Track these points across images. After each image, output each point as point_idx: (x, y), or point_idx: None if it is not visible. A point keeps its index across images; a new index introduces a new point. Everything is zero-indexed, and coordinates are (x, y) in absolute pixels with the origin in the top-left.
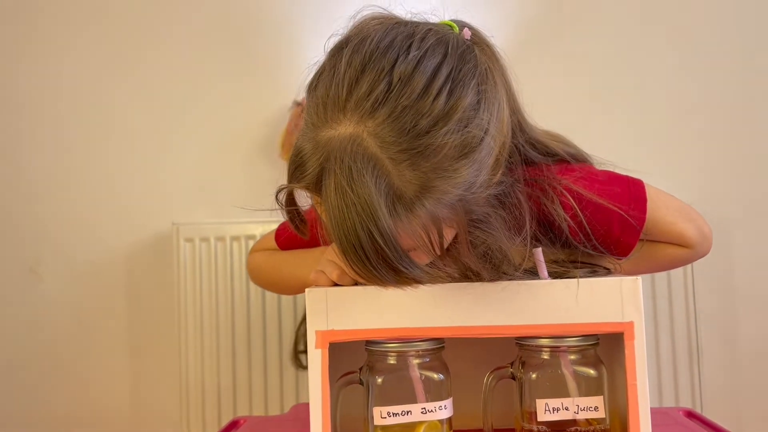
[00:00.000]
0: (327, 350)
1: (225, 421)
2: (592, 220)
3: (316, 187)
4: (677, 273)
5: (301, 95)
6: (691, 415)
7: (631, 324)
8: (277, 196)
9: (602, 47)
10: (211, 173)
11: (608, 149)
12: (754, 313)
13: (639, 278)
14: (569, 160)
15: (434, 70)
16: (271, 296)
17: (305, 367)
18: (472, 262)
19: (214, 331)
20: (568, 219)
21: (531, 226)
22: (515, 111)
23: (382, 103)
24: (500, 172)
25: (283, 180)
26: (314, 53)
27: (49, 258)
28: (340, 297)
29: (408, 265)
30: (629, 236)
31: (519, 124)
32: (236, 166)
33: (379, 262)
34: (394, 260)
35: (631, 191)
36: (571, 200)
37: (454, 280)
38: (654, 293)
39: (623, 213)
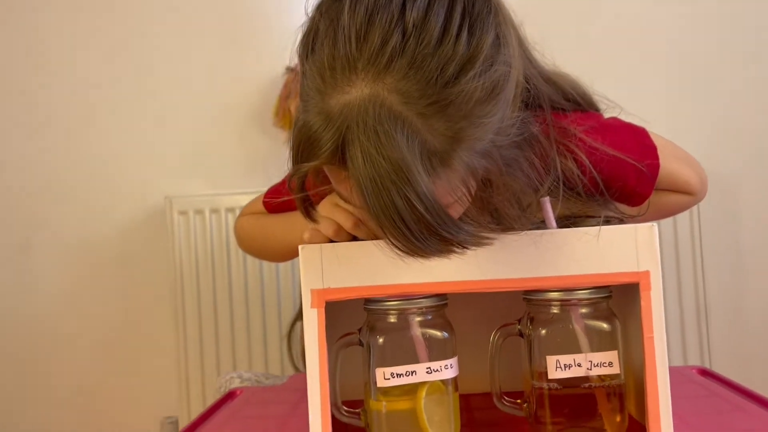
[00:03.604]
0: (323, 310)
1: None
2: (607, 174)
3: (340, 161)
4: (683, 230)
5: (294, 61)
6: (705, 373)
7: (647, 273)
8: (289, 183)
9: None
10: (203, 144)
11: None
12: (762, 269)
13: (655, 225)
14: (579, 101)
15: (448, 10)
16: (268, 267)
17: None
18: (509, 210)
19: (212, 304)
20: (582, 177)
21: (557, 167)
22: (521, 41)
23: (399, 54)
24: (518, 107)
25: (278, 148)
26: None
27: (41, 235)
28: (336, 253)
29: (453, 230)
30: (645, 186)
31: (527, 56)
32: (229, 136)
33: (422, 232)
34: (437, 226)
35: (639, 140)
36: (583, 157)
37: (494, 238)
38: (660, 252)
39: (637, 164)
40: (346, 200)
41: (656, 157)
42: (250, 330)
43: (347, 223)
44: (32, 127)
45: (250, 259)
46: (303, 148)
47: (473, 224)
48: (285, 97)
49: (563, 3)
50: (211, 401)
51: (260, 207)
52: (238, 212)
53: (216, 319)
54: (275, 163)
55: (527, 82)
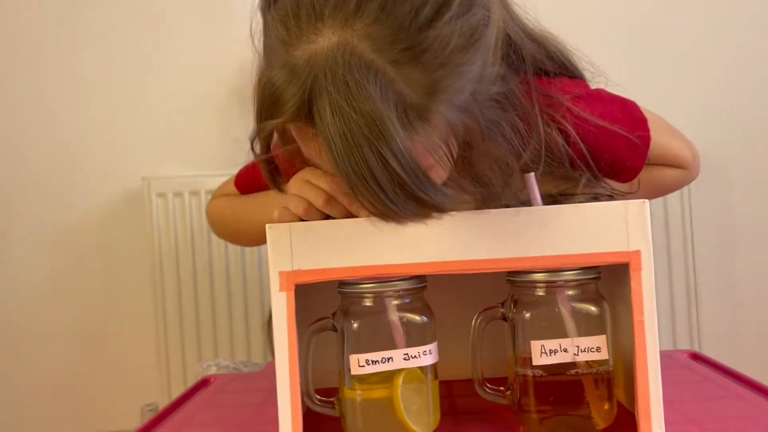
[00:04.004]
0: (293, 293)
1: None
2: (596, 146)
3: (306, 117)
4: (674, 208)
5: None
6: (696, 357)
7: (637, 253)
8: (252, 144)
9: None
10: (181, 124)
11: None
12: (752, 252)
13: (646, 201)
14: (566, 65)
15: None
16: (250, 250)
17: None
18: (491, 175)
19: (192, 290)
20: (567, 148)
21: (540, 134)
22: None
23: None
24: (500, 62)
25: None
26: None
27: (15, 223)
28: (306, 233)
29: (430, 191)
30: (636, 160)
31: (508, 11)
32: (208, 115)
33: (396, 192)
34: (413, 187)
35: (629, 111)
36: (569, 127)
37: (473, 203)
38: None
39: (629, 135)
40: (314, 164)
41: (647, 129)
42: (231, 316)
43: (318, 201)
44: (1, 111)
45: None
46: (267, 105)
47: (453, 186)
48: None
49: None
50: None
51: (232, 188)
52: None
53: (197, 305)
54: None
55: (509, 38)
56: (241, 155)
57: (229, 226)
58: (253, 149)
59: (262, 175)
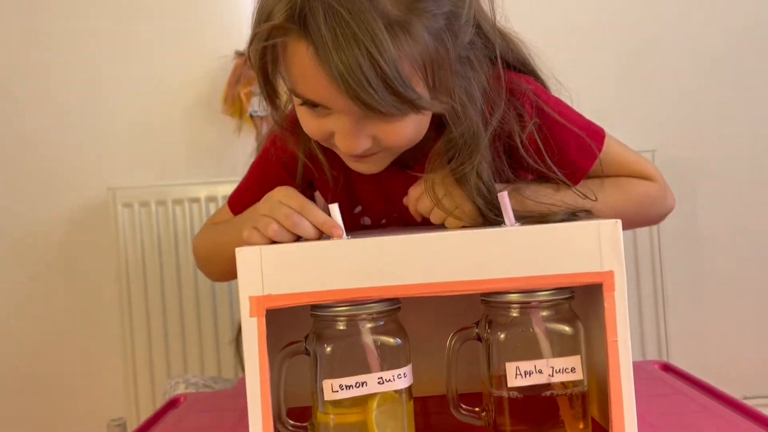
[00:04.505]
0: (264, 318)
1: None
2: (547, 138)
3: (298, 21)
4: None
5: (244, 45)
6: (666, 368)
7: (610, 274)
8: (249, 54)
9: None
10: (148, 132)
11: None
12: (721, 259)
13: (618, 221)
14: (533, 69)
15: None
16: None
17: None
18: (460, 99)
19: (160, 303)
20: (521, 134)
21: (501, 110)
22: None
23: None
24: (471, 31)
25: (228, 136)
26: None
27: None
28: (276, 256)
29: (408, 88)
30: (585, 159)
31: (479, 2)
32: (176, 123)
33: (379, 85)
34: (394, 81)
35: (588, 122)
36: (525, 115)
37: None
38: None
39: (581, 133)
40: (294, 91)
41: (602, 136)
42: (201, 329)
43: (287, 221)
44: None
45: None
46: (261, 19)
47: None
48: (234, 82)
49: None
50: (161, 403)
51: (221, 216)
52: (186, 205)
53: (165, 318)
54: (225, 152)
55: (480, 29)
56: (207, 165)
57: (206, 256)
58: (250, 59)
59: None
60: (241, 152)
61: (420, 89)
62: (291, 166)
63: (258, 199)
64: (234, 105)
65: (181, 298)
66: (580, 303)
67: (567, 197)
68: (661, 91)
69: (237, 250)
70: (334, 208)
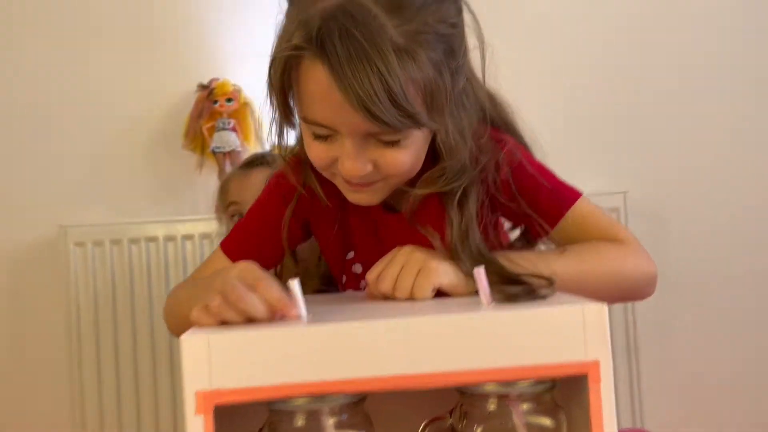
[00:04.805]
0: (211, 416)
1: None
2: (520, 185)
3: (315, 43)
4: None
5: (207, 78)
6: None
7: (596, 363)
8: (270, 69)
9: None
10: (103, 167)
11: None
12: (692, 305)
13: (605, 305)
14: (514, 129)
15: None
16: None
17: None
18: (452, 135)
19: (113, 353)
20: (496, 175)
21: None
22: (467, 51)
23: None
24: (464, 80)
25: (188, 172)
26: (219, 31)
27: None
28: (226, 345)
29: (411, 104)
30: (555, 208)
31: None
32: (133, 158)
33: (385, 100)
34: (399, 96)
35: (563, 183)
36: (504, 162)
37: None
38: None
39: (553, 189)
40: (305, 116)
41: (576, 194)
42: (156, 381)
43: (233, 294)
44: None
45: (157, 299)
46: (281, 40)
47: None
48: (196, 116)
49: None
50: None
51: (212, 265)
52: (143, 244)
53: (117, 369)
54: (185, 189)
55: (469, 82)
56: (166, 202)
57: (172, 322)
58: (270, 76)
59: (258, 243)
60: (202, 189)
61: (420, 109)
62: (291, 201)
63: (251, 239)
64: (195, 140)
65: (135, 344)
66: (562, 388)
67: (540, 264)
68: (626, 130)
69: (182, 338)
70: (294, 285)
